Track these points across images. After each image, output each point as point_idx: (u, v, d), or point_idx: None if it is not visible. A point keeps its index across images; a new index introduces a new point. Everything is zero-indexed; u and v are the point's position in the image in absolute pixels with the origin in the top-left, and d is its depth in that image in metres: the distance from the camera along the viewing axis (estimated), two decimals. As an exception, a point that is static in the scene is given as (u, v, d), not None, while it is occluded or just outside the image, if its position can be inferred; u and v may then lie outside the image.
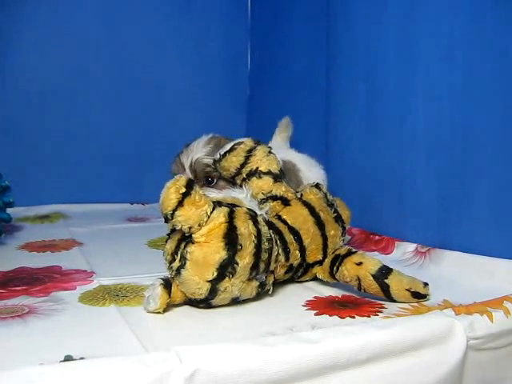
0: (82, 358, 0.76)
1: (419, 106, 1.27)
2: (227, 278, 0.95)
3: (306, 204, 1.13)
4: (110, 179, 1.94)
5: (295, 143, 1.52)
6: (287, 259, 1.06)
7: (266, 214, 1.07)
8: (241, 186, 1.13)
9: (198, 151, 1.21)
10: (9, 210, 1.46)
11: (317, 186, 1.18)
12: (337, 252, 1.11)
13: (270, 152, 1.15)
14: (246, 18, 2.15)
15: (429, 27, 1.24)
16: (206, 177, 1.20)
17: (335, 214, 1.16)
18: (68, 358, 0.77)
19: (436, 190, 1.24)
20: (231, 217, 0.97)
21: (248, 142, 1.15)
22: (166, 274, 1.01)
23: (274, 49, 1.96)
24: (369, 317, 0.95)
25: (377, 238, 1.39)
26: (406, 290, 1.01)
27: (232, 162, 1.14)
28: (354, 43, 1.47)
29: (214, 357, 0.72)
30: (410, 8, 1.28)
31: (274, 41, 1.96)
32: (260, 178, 1.12)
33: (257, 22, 2.11)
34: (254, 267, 0.97)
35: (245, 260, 0.96)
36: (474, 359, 0.86)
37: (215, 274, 0.94)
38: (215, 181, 1.20)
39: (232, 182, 1.16)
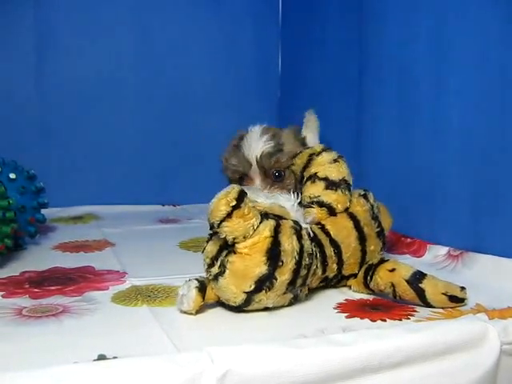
0: (115, 357, 0.77)
1: (452, 107, 1.26)
2: (264, 291, 0.95)
3: (352, 216, 1.11)
4: (142, 181, 1.96)
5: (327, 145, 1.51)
6: (324, 272, 1.05)
7: (310, 223, 1.06)
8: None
9: (260, 143, 1.17)
10: (43, 211, 1.48)
11: (365, 196, 1.15)
12: (369, 262, 1.10)
13: (335, 160, 1.12)
14: (276, 20, 2.15)
15: (463, 27, 1.23)
16: (275, 171, 1.17)
17: (378, 229, 1.14)
18: (101, 357, 0.78)
19: (469, 191, 1.23)
20: (276, 231, 0.96)
21: (315, 147, 1.16)
22: (200, 275, 1.01)
23: (305, 50, 1.96)
24: (400, 320, 0.94)
25: (408, 240, 1.38)
26: (443, 294, 0.99)
27: (297, 165, 1.16)
28: (387, 44, 1.46)
29: (246, 358, 0.72)
30: (443, 8, 1.27)
31: (305, 42, 1.96)
32: (314, 182, 1.10)
33: (288, 24, 2.11)
34: (292, 283, 0.97)
35: (284, 276, 0.95)
36: (508, 364, 0.84)
37: (253, 286, 0.94)
38: (284, 174, 1.17)
39: (300, 181, 1.16)
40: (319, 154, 1.14)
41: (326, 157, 1.13)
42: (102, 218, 1.84)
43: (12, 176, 1.38)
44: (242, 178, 1.20)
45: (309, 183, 1.11)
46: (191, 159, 2.02)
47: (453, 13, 1.25)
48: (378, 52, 1.50)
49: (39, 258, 1.34)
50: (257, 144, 1.18)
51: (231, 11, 2.09)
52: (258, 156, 1.17)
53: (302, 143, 1.26)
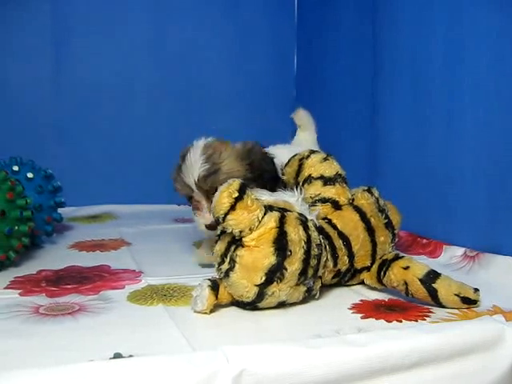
0: (130, 356, 0.78)
1: (467, 107, 1.25)
2: (275, 282, 0.95)
3: (357, 209, 1.12)
4: (158, 181, 1.96)
5: (341, 146, 1.50)
6: (335, 265, 1.05)
7: (316, 218, 1.07)
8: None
9: (197, 166, 1.16)
10: (60, 210, 1.49)
11: (369, 190, 1.17)
12: (384, 257, 1.10)
13: (325, 159, 1.15)
14: (292, 21, 2.15)
15: (476, 27, 1.22)
16: (215, 189, 1.11)
17: (386, 220, 1.14)
18: (117, 356, 0.78)
19: (485, 192, 1.22)
20: (282, 222, 0.97)
21: (302, 153, 1.18)
22: (213, 274, 1.02)
23: (321, 51, 1.96)
24: (416, 321, 0.94)
25: (424, 241, 1.38)
26: (455, 295, 0.99)
27: (289, 174, 1.18)
28: (401, 45, 1.45)
29: (261, 357, 0.72)
30: (458, 8, 1.26)
31: (321, 43, 1.96)
32: (311, 183, 1.13)
33: (303, 24, 2.11)
34: (303, 273, 0.97)
35: (294, 266, 0.96)
36: (525, 367, 0.84)
37: (263, 278, 0.94)
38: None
39: (295, 187, 1.16)
40: (308, 156, 1.16)
41: (316, 158, 1.16)
42: (118, 218, 1.85)
43: (29, 175, 1.39)
44: (191, 198, 1.21)
45: (306, 185, 1.14)
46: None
47: (467, 12, 1.24)
48: (392, 51, 1.49)
49: (56, 257, 1.35)
50: (193, 167, 1.16)
51: (247, 11, 2.09)
52: (196, 179, 1.16)
53: (261, 159, 1.22)
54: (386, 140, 1.54)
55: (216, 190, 1.06)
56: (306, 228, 0.99)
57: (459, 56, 1.27)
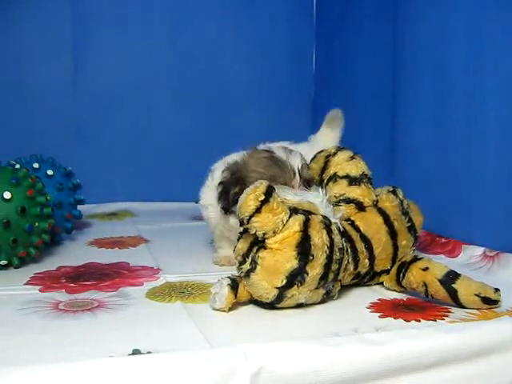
0: (149, 352, 0.78)
1: (489, 108, 1.24)
2: (295, 286, 0.95)
3: (381, 212, 1.11)
4: (176, 178, 1.97)
5: (361, 145, 1.50)
6: (356, 267, 1.05)
7: (340, 220, 1.05)
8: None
9: (298, 156, 1.18)
10: (79, 207, 1.50)
11: (394, 191, 1.16)
12: (403, 259, 1.09)
13: (352, 157, 1.14)
14: (311, 19, 2.14)
15: (499, 27, 1.21)
16: (307, 181, 1.18)
17: (409, 224, 1.13)
18: (136, 352, 0.79)
19: (505, 192, 1.21)
20: (306, 226, 0.96)
21: (329, 149, 1.17)
22: (232, 272, 1.02)
23: (340, 49, 1.95)
24: (435, 321, 0.93)
25: (443, 240, 1.37)
26: (475, 295, 0.98)
27: (314, 170, 1.17)
28: (422, 44, 1.44)
29: (279, 355, 0.72)
30: (480, 9, 1.25)
31: (340, 41, 1.95)
32: (336, 181, 1.12)
33: (322, 23, 2.11)
34: (323, 277, 0.97)
35: (315, 270, 0.95)
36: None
37: (284, 281, 0.94)
38: (311, 186, 1.18)
39: (319, 184, 1.17)
40: (335, 154, 1.16)
41: (342, 156, 1.15)
42: (136, 215, 1.86)
43: (50, 173, 1.41)
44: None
45: (331, 184, 1.13)
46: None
47: (489, 12, 1.23)
48: (413, 51, 1.48)
49: (75, 254, 1.37)
50: (295, 157, 1.17)
51: (266, 11, 2.09)
52: (300, 167, 1.16)
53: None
54: (405, 140, 1.53)
55: (309, 183, 1.15)
56: (329, 232, 0.99)
57: (481, 57, 1.25)
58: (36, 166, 1.41)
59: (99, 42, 1.95)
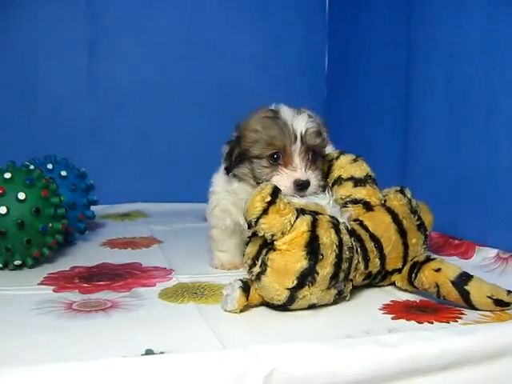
0: (162, 353, 0.78)
1: (504, 109, 1.24)
2: (307, 286, 0.95)
3: (390, 211, 1.11)
4: (189, 179, 1.97)
5: (373, 147, 1.49)
6: (366, 267, 1.05)
7: (348, 220, 1.06)
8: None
9: (305, 120, 1.11)
10: (93, 208, 1.51)
11: (401, 191, 1.16)
12: (415, 259, 1.09)
13: (354, 160, 1.15)
14: (323, 19, 2.14)
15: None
16: (313, 150, 1.11)
17: (418, 222, 1.13)
18: (149, 352, 0.79)
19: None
20: (314, 225, 0.97)
21: (331, 153, 1.18)
22: (244, 274, 1.02)
23: (353, 50, 1.94)
24: (448, 323, 0.93)
25: (456, 242, 1.36)
26: (488, 297, 0.97)
27: None
28: (437, 44, 1.44)
29: (292, 357, 0.72)
30: (494, 7, 1.25)
31: (353, 41, 1.94)
32: (341, 184, 1.13)
33: (335, 23, 2.10)
34: (334, 276, 0.97)
35: (325, 270, 0.95)
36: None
37: (295, 282, 0.94)
38: (318, 157, 1.13)
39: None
40: (338, 157, 1.17)
41: (345, 159, 1.16)
42: (149, 216, 1.87)
43: (63, 173, 1.42)
44: (276, 156, 1.11)
45: (336, 187, 1.14)
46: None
47: (504, 11, 1.22)
48: (427, 51, 1.48)
49: (88, 254, 1.38)
50: (300, 122, 1.11)
51: (279, 10, 2.09)
52: (303, 132, 1.10)
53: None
54: (418, 140, 1.52)
55: (316, 153, 1.11)
56: (337, 231, 0.99)
57: (496, 57, 1.25)
58: (50, 166, 1.42)
59: (114, 41, 1.95)
